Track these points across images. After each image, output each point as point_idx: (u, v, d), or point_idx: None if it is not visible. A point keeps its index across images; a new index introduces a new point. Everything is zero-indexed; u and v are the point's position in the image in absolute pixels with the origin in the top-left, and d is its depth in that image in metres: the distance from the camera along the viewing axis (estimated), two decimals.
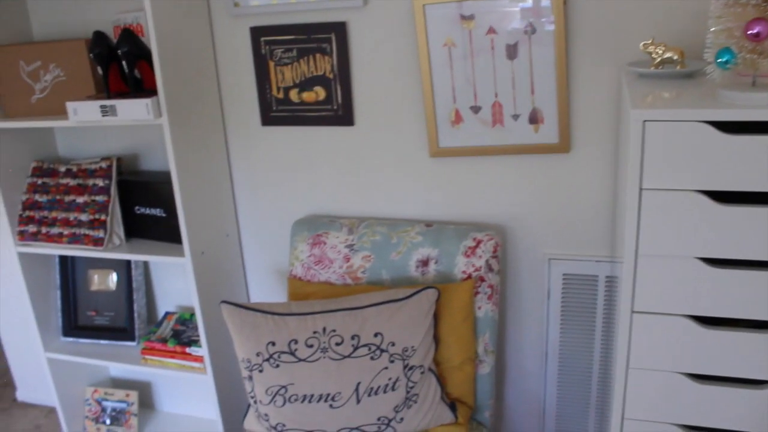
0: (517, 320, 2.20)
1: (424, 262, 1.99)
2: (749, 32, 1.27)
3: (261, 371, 1.82)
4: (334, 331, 1.78)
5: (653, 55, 1.63)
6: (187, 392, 2.77)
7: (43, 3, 2.37)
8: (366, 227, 2.08)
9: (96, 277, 2.55)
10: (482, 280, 1.95)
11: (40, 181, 2.40)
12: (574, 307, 2.11)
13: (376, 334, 1.78)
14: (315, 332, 1.79)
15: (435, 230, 2.02)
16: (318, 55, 2.07)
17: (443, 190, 2.12)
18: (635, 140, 1.31)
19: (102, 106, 2.01)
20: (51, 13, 2.37)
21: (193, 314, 2.49)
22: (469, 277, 1.95)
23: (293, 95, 2.14)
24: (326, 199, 2.26)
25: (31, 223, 2.35)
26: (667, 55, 1.62)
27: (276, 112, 2.19)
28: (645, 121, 1.29)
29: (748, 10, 1.28)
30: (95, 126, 2.45)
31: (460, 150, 2.02)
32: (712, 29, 1.35)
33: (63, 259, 2.54)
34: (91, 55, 2.02)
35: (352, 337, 1.78)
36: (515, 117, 1.95)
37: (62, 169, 2.39)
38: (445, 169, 2.09)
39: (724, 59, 1.32)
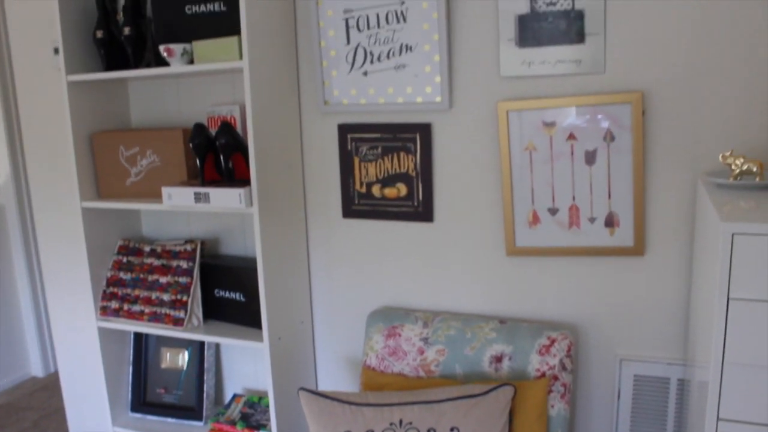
0: (587, 420, 2.20)
1: (498, 359, 2.02)
2: None
3: None
4: (410, 423, 1.81)
5: (732, 167, 1.69)
6: None
7: (144, 93, 2.55)
8: (441, 321, 2.13)
9: (168, 355, 2.62)
10: (555, 378, 1.97)
11: (125, 259, 2.51)
12: (644, 410, 2.10)
13: (452, 429, 1.80)
14: (391, 423, 1.82)
15: (509, 327, 2.05)
16: (402, 154, 2.18)
17: (518, 288, 2.17)
18: (724, 251, 1.35)
19: (196, 193, 2.13)
20: (150, 103, 2.55)
21: (261, 398, 2.53)
22: (543, 375, 1.97)
23: (375, 190, 2.25)
24: (402, 292, 2.33)
25: (114, 299, 2.45)
26: (746, 166, 1.68)
27: (358, 205, 2.29)
28: (734, 234, 1.34)
29: None
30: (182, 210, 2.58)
31: (536, 250, 2.08)
32: None
33: (138, 336, 2.63)
34: (190, 144, 2.15)
35: (428, 431, 1.80)
36: (591, 220, 2.01)
37: (147, 248, 2.50)
38: (520, 268, 2.15)
39: None
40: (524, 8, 1.96)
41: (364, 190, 2.26)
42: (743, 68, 1.81)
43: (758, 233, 1.33)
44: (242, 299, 2.33)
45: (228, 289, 2.37)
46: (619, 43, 1.91)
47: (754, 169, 1.67)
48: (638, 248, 1.99)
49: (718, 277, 1.37)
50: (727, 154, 1.69)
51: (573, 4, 1.91)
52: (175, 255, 2.44)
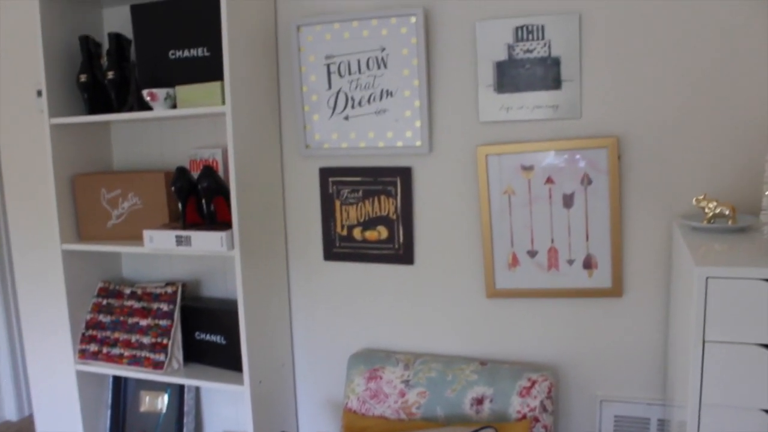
0: None
1: (479, 401, 2.03)
2: None
3: None
4: None
5: (706, 210, 1.73)
6: None
7: (126, 136, 2.57)
8: (422, 363, 2.13)
9: (147, 398, 2.60)
10: (536, 420, 1.98)
11: (105, 302, 2.49)
12: None
13: None
14: None
15: (490, 369, 2.06)
16: (383, 197, 2.20)
17: (498, 330, 2.18)
18: (698, 295, 1.38)
19: (177, 236, 2.14)
20: (132, 145, 2.57)
21: None
22: (524, 417, 1.98)
23: (357, 233, 2.26)
24: (383, 334, 2.33)
25: (93, 342, 2.43)
26: (719, 210, 1.72)
27: (339, 248, 2.30)
28: (708, 277, 1.37)
29: None
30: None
31: (516, 292, 2.10)
32: (767, 193, 1.44)
33: (116, 379, 2.60)
34: (172, 188, 2.16)
35: None
36: (570, 262, 2.03)
37: (127, 291, 2.49)
38: (500, 310, 2.16)
39: None
40: (502, 55, 2.01)
41: (345, 232, 2.28)
42: (715, 114, 1.86)
43: (731, 277, 1.36)
44: (223, 342, 2.32)
45: (209, 332, 2.36)
46: (595, 89, 1.96)
47: (727, 213, 1.71)
48: (616, 290, 2.01)
49: (694, 321, 1.40)
50: (701, 197, 1.74)
51: (549, 52, 1.97)
52: (156, 297, 2.43)
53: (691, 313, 1.40)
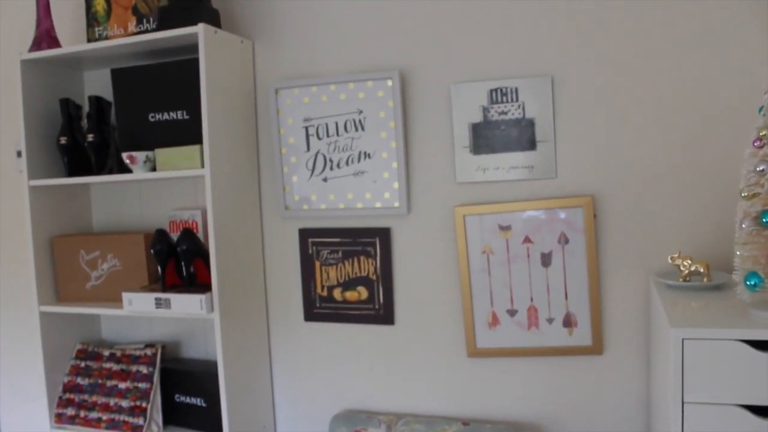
0: None
1: None
2: None
3: None
4: None
5: (681, 268, 1.75)
6: None
7: (106, 197, 2.57)
8: (404, 424, 2.11)
9: None
10: None
11: (83, 364, 2.46)
12: None
13: None
14: None
15: (472, 429, 2.05)
16: (362, 257, 2.21)
17: (480, 389, 2.17)
18: (675, 356, 1.39)
19: (157, 299, 2.13)
20: (112, 207, 2.57)
21: None
22: None
23: (337, 294, 2.26)
24: (365, 395, 2.31)
25: (71, 405, 2.39)
26: (694, 267, 1.74)
27: (319, 308, 2.30)
28: (684, 339, 1.38)
29: None
30: None
31: (497, 351, 2.10)
32: (738, 253, 1.46)
33: None
34: (152, 250, 2.16)
35: None
36: (550, 320, 2.04)
37: (106, 353, 2.47)
38: (482, 369, 2.16)
39: (753, 282, 1.41)
40: (477, 117, 2.05)
41: (325, 293, 2.28)
42: (688, 172, 1.90)
43: (707, 338, 1.37)
44: (203, 404, 2.30)
45: (189, 395, 2.33)
46: (569, 150, 1.99)
47: (702, 270, 1.73)
48: (597, 347, 2.02)
49: (672, 382, 1.40)
50: (675, 255, 1.76)
51: (524, 113, 2.00)
52: (135, 360, 2.41)
53: (669, 373, 1.41)
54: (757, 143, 1.41)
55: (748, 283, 1.41)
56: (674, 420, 1.41)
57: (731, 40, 1.84)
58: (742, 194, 1.43)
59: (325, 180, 2.21)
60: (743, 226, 1.42)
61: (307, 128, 2.21)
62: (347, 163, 2.18)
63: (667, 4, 1.88)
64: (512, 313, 2.07)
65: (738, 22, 1.83)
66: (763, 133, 1.40)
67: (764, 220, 1.37)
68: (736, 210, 1.47)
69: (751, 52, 1.82)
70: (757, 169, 1.39)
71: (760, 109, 1.43)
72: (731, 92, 1.85)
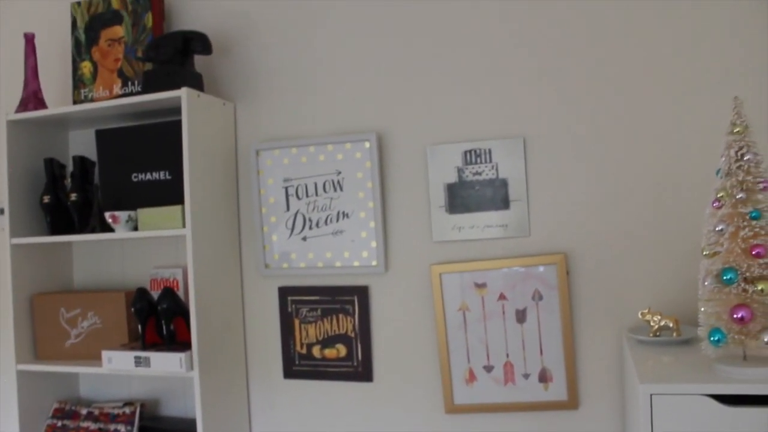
0: None
1: None
2: (735, 316, 1.41)
3: None
4: None
5: (651, 323, 1.80)
6: None
7: (88, 255, 2.60)
8: None
9: None
10: None
11: (60, 423, 2.44)
12: None
13: None
14: None
15: None
16: (341, 315, 2.24)
17: None
18: (644, 412, 1.42)
19: (136, 357, 2.14)
20: (93, 264, 2.59)
21: None
22: None
23: (316, 351, 2.29)
24: None
25: None
26: (663, 323, 1.79)
27: (299, 366, 2.31)
28: (652, 394, 1.42)
29: (731, 297, 1.44)
30: None
31: (475, 407, 2.12)
32: (702, 309, 1.50)
33: None
34: (132, 309, 2.18)
35: None
36: (526, 376, 2.07)
37: (84, 411, 2.45)
38: (460, 425, 2.17)
39: (716, 338, 1.45)
40: (452, 177, 2.11)
41: (304, 351, 2.30)
42: (656, 231, 1.96)
43: (675, 393, 1.41)
44: None
45: None
46: (542, 208, 2.06)
47: (671, 325, 1.78)
48: (572, 402, 2.04)
49: None
50: (645, 311, 1.81)
51: (497, 173, 2.07)
52: (113, 418, 2.40)
53: (640, 428, 1.44)
54: (716, 204, 1.48)
55: (711, 339, 1.45)
56: None
57: (695, 106, 1.92)
58: (704, 253, 1.49)
59: (304, 239, 2.26)
60: (705, 283, 1.47)
61: (287, 188, 2.27)
62: (326, 223, 2.23)
63: (633, 70, 1.97)
64: (489, 369, 2.10)
65: (696, 86, 1.92)
66: (721, 194, 1.46)
67: (725, 277, 1.42)
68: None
69: (713, 118, 1.90)
70: (716, 228, 1.45)
71: (717, 171, 1.50)
72: (696, 154, 1.92)
